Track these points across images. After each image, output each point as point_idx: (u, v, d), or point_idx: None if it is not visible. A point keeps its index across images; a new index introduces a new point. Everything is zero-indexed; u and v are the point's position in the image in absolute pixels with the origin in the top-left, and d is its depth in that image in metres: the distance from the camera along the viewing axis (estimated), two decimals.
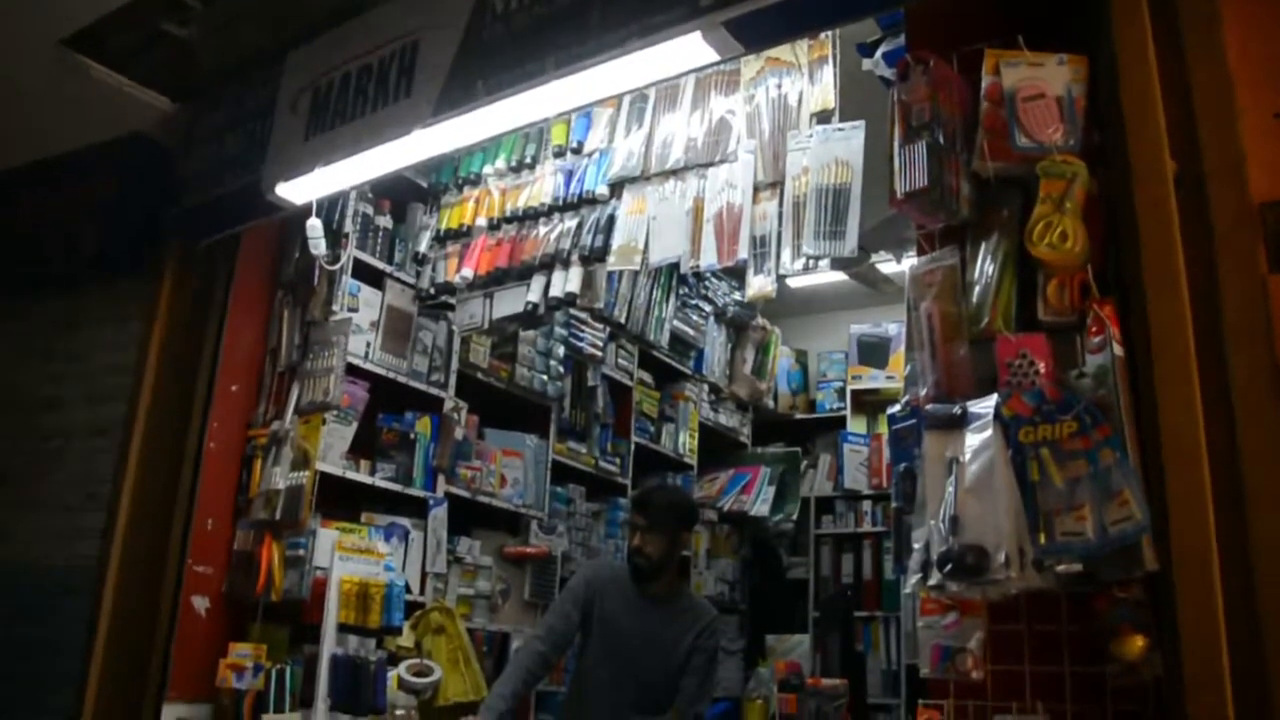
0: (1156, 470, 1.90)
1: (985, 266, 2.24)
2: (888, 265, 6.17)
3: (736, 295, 6.24)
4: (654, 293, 5.55)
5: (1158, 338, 1.94)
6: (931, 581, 1.94)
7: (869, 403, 6.73)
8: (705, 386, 6.28)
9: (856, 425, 6.65)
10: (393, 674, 3.60)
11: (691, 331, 5.93)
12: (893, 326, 6.54)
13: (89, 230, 4.19)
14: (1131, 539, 1.85)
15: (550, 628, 3.74)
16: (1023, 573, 1.87)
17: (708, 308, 6.11)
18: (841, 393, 6.74)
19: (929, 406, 2.11)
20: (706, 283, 6.07)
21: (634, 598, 3.77)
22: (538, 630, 3.83)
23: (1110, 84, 2.12)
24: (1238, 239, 1.98)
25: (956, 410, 2.04)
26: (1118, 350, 1.99)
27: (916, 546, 2.00)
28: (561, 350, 5.07)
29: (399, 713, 3.46)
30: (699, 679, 3.69)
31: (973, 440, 1.99)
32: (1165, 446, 1.89)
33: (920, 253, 2.37)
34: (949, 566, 1.90)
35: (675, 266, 3.28)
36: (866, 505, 6.42)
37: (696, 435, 6.12)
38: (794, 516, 6.43)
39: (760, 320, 6.53)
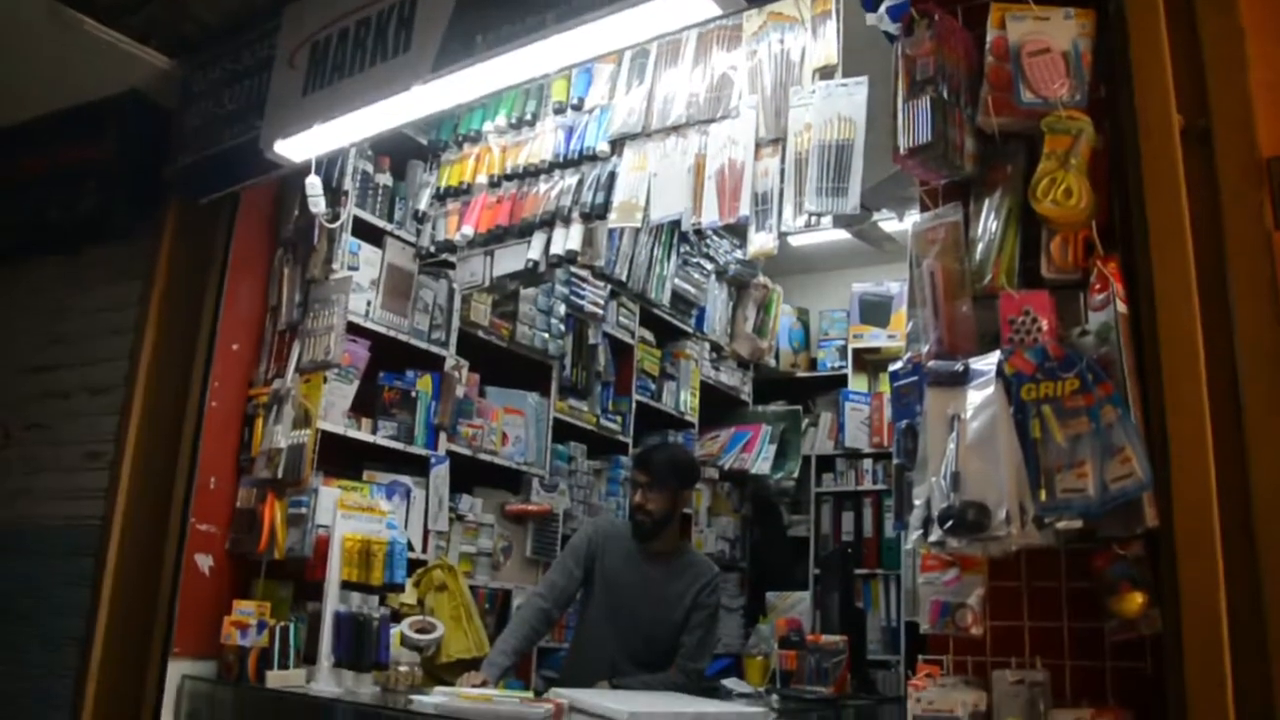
0: (1159, 427, 1.89)
1: (989, 223, 2.23)
2: (890, 223, 6.15)
3: (738, 253, 6.21)
4: (655, 251, 5.52)
5: (1162, 293, 1.93)
6: (932, 538, 1.94)
7: (870, 361, 6.74)
8: (706, 345, 6.27)
9: (858, 384, 6.66)
10: (395, 631, 3.62)
11: (693, 289, 5.92)
12: (894, 285, 6.53)
13: (87, 189, 4.16)
14: (1132, 496, 1.85)
15: (552, 584, 3.77)
16: (1023, 529, 1.87)
17: (709, 266, 6.09)
18: (843, 351, 6.75)
19: (931, 363, 2.10)
20: (708, 241, 6.04)
21: (636, 554, 3.79)
22: (540, 587, 3.86)
23: (1118, 37, 2.10)
24: (1244, 194, 1.96)
25: (959, 367, 2.03)
26: (1121, 307, 1.98)
27: (918, 503, 2.00)
28: (563, 308, 5.07)
29: (402, 669, 3.47)
30: (699, 635, 3.72)
31: (975, 397, 1.98)
32: (1168, 403, 1.88)
33: (923, 209, 2.35)
34: (950, 523, 1.90)
35: (676, 224, 3.26)
36: (867, 463, 6.45)
37: (698, 393, 6.13)
38: (795, 474, 6.45)
39: (762, 278, 6.50)
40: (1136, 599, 1.87)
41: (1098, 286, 2.02)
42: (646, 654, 3.73)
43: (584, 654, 3.84)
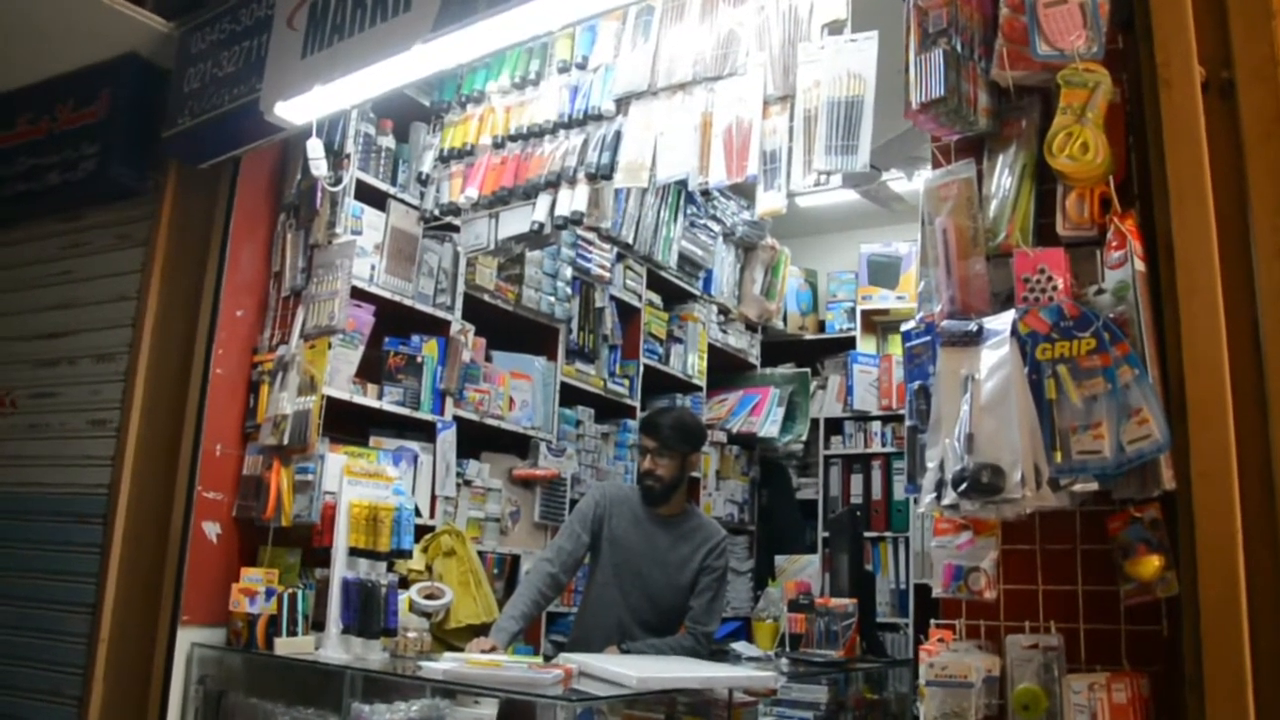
0: (1177, 388, 1.86)
1: (1003, 180, 2.18)
2: (899, 183, 6.08)
3: (745, 215, 6.16)
4: (662, 212, 5.48)
5: (1181, 251, 1.89)
6: (946, 501, 1.91)
7: (879, 323, 6.71)
8: (714, 307, 6.23)
9: (866, 346, 6.62)
10: (404, 597, 3.61)
11: (700, 252, 5.87)
12: (903, 246, 6.48)
13: (87, 153, 4.12)
14: (1149, 457, 1.82)
15: (560, 548, 3.76)
16: (1038, 491, 1.84)
17: (716, 227, 6.04)
18: (851, 313, 6.70)
19: (944, 323, 2.06)
20: (715, 202, 5.99)
21: (643, 518, 3.78)
22: (547, 552, 3.85)
23: None
24: (1268, 148, 1.91)
25: (972, 327, 1.99)
26: (1139, 265, 1.94)
27: (931, 465, 1.97)
28: (569, 271, 5.02)
29: (410, 635, 3.47)
30: (708, 599, 3.72)
31: (989, 357, 1.94)
32: (1187, 363, 1.84)
33: (935, 166, 2.30)
34: (964, 485, 1.86)
35: (683, 185, 3.21)
36: (876, 426, 6.42)
37: (705, 356, 6.08)
38: (803, 437, 6.44)
39: (769, 240, 6.46)
40: (1153, 562, 1.84)
41: (1115, 244, 1.97)
42: (654, 617, 3.72)
43: (592, 618, 3.83)
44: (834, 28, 2.95)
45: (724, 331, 6.36)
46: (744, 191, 5.93)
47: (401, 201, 4.19)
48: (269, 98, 3.45)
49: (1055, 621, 2.00)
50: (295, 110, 3.43)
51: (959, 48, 2.13)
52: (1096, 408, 1.84)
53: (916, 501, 2.06)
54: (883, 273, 6.60)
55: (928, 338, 2.12)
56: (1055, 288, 1.97)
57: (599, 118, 3.35)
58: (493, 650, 3.36)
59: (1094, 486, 1.88)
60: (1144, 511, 1.88)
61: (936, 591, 2.09)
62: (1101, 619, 1.98)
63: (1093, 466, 1.84)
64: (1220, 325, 1.83)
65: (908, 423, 2.15)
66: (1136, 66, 2.06)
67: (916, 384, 2.12)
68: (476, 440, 4.59)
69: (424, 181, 3.92)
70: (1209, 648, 1.73)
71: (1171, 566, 1.83)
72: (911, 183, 5.93)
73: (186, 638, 3.63)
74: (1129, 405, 1.83)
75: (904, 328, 2.22)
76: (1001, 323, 1.97)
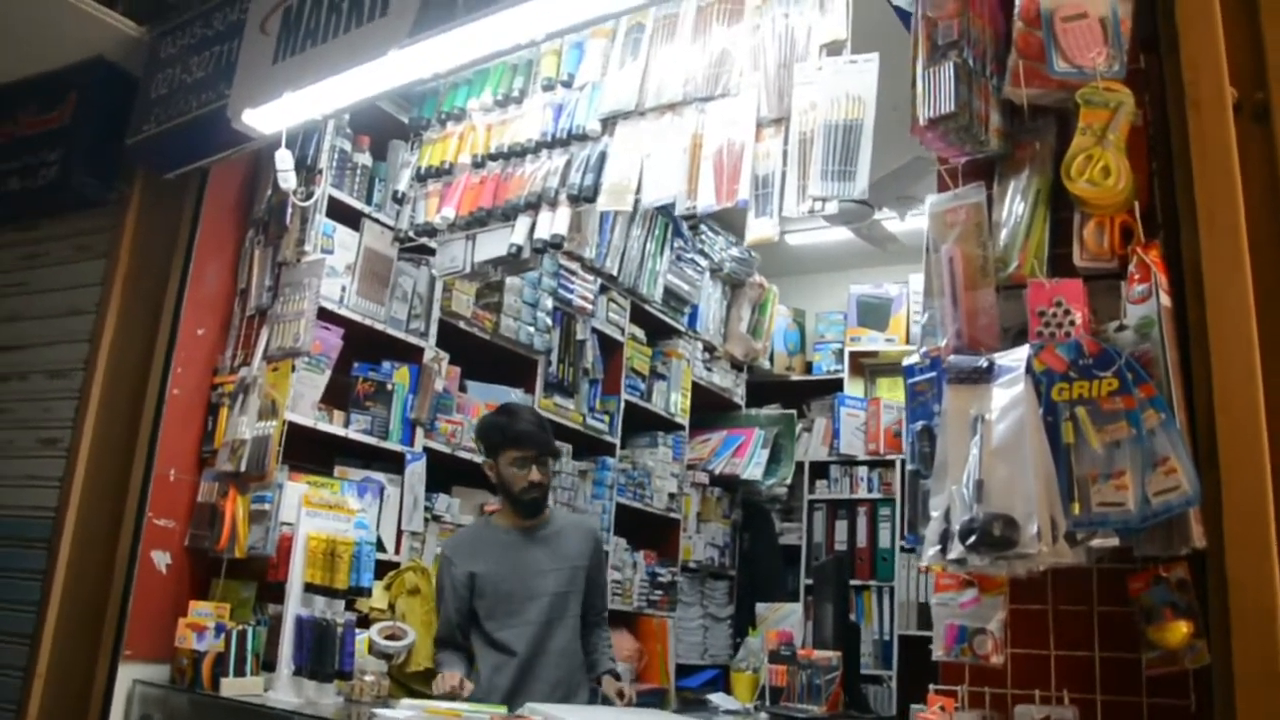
0: (1206, 435, 1.68)
1: (1015, 205, 2.02)
2: (893, 223, 5.95)
3: (734, 250, 6.03)
4: (648, 245, 5.33)
5: (1211, 285, 1.72)
6: (952, 555, 1.72)
7: (867, 365, 6.57)
8: (699, 344, 6.07)
9: (854, 388, 6.47)
10: (363, 637, 3.40)
11: (686, 286, 5.72)
12: (894, 288, 6.36)
13: (49, 160, 3.95)
14: (1177, 511, 1.64)
15: (447, 644, 3.51)
16: (1054, 546, 1.66)
17: (703, 262, 5.89)
18: (839, 354, 6.56)
19: (952, 358, 1.87)
20: (703, 236, 5.85)
21: (512, 543, 3.52)
22: (441, 638, 3.57)
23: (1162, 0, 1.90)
24: None
25: (983, 363, 1.81)
26: (1165, 300, 1.77)
27: (935, 514, 1.78)
28: (550, 301, 4.85)
29: (368, 678, 3.24)
30: (600, 588, 3.68)
31: (1001, 396, 1.76)
32: (1218, 408, 1.67)
33: (942, 189, 2.14)
34: (973, 538, 1.67)
35: (671, 217, 3.04)
36: (862, 471, 6.27)
37: (689, 394, 5.91)
38: (787, 481, 6.27)
39: (757, 277, 6.32)
40: (1180, 629, 1.66)
41: (1138, 276, 1.81)
42: (557, 636, 3.44)
43: (498, 670, 3.52)
44: (833, 49, 2.80)
45: (709, 369, 6.19)
46: (732, 226, 5.80)
47: (376, 221, 4.03)
48: (237, 104, 3.29)
49: (1069, 691, 1.81)
50: (264, 118, 3.26)
51: (970, 61, 1.98)
52: (1119, 455, 1.67)
53: (916, 552, 1.88)
54: (872, 314, 6.47)
55: (932, 374, 1.94)
56: (1073, 322, 1.80)
57: (583, 138, 3.20)
58: (461, 685, 3.15)
59: (1114, 542, 1.70)
60: (1170, 571, 1.70)
61: (937, 654, 1.90)
62: (1121, 690, 1.79)
63: (1114, 520, 1.66)
64: (1256, 367, 1.66)
65: (909, 467, 1.96)
66: (1161, 86, 1.90)
67: (919, 424, 1.94)
68: (447, 473, 4.39)
69: (399, 200, 3.75)
70: None
71: (1201, 634, 1.65)
72: (905, 222, 5.80)
73: (128, 674, 3.44)
74: (1155, 453, 1.65)
75: (906, 362, 2.04)
76: (1015, 359, 1.79)
